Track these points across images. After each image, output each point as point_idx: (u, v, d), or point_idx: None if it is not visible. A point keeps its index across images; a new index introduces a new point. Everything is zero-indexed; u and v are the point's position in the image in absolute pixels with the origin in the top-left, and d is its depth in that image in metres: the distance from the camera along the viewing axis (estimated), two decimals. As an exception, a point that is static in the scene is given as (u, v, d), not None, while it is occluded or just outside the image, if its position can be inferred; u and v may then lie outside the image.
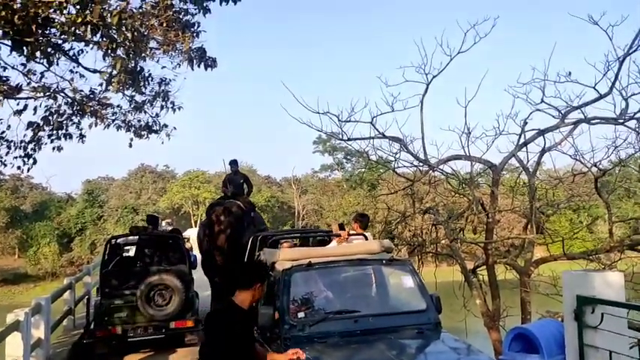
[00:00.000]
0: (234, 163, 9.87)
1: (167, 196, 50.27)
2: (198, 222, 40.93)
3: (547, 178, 8.84)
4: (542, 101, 6.78)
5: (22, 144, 7.03)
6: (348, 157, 55.41)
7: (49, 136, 7.04)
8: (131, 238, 9.40)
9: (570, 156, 6.78)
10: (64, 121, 6.94)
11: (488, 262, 7.28)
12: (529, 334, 4.14)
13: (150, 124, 7.80)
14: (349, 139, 7.31)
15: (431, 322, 4.33)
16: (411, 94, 6.94)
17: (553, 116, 6.80)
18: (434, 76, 6.86)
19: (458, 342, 4.13)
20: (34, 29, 5.45)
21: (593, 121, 6.56)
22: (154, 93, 7.48)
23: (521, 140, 7.01)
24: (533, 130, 6.91)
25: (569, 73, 6.52)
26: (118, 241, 8.95)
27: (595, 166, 6.56)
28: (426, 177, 7.89)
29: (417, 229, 8.92)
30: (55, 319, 7.58)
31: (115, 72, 5.75)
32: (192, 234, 12.60)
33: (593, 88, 6.35)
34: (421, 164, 7.46)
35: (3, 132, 6.90)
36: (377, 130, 7.10)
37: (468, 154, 7.01)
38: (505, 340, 4.42)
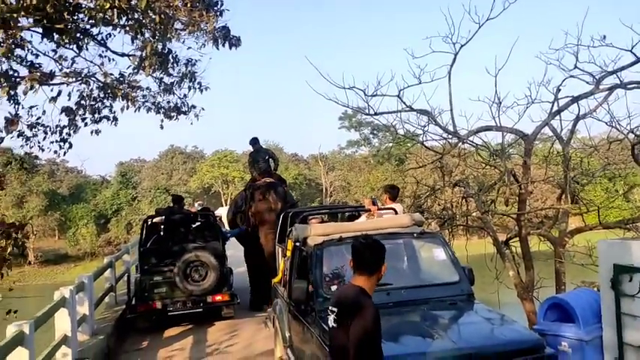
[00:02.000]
0: (255, 141, 9.69)
1: (197, 176, 51.15)
2: (229, 200, 41.52)
3: (582, 146, 8.60)
4: (576, 67, 6.55)
5: (58, 129, 7.24)
6: (375, 132, 54.99)
7: (83, 119, 7.22)
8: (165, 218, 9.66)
9: (606, 123, 6.57)
10: (97, 105, 7.10)
11: (521, 233, 7.20)
12: (564, 304, 4.13)
13: (179, 105, 7.91)
14: (376, 114, 7.24)
15: (464, 294, 4.34)
16: (439, 65, 6.82)
17: (587, 82, 6.58)
18: (462, 46, 6.70)
19: (491, 312, 4.13)
20: (64, 16, 5.56)
21: (630, 86, 6.31)
22: (181, 74, 7.55)
23: (555, 108, 6.82)
24: (566, 97, 6.71)
25: (604, 37, 6.27)
26: (154, 220, 9.23)
27: (632, 132, 6.34)
28: (456, 149, 7.79)
29: (446, 202, 8.86)
30: (97, 296, 7.93)
31: (145, 55, 5.83)
32: (222, 212, 12.84)
33: (630, 51, 6.10)
34: (450, 136, 7.35)
35: (39, 118, 7.11)
36: (404, 103, 7.02)
37: (498, 125, 6.87)
38: (540, 310, 4.42)
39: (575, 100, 6.65)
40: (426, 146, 7.83)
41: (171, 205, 9.63)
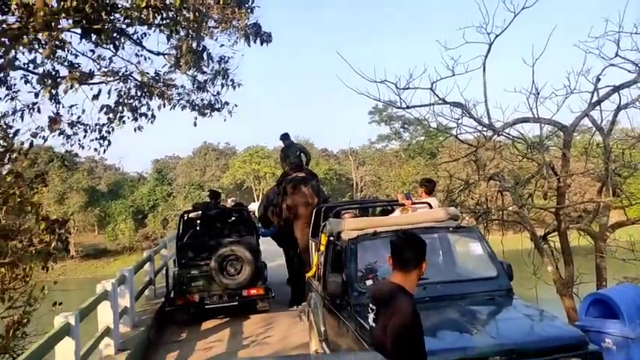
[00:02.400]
0: (285, 136, 9.68)
1: (230, 172, 51.86)
2: (260, 196, 41.99)
3: (623, 137, 8.30)
4: (617, 55, 6.34)
5: (97, 127, 7.47)
6: (406, 126, 54.43)
7: (121, 117, 7.42)
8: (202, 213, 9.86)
9: (650, 112, 6.32)
10: (135, 103, 7.28)
11: (560, 228, 7.02)
12: (607, 300, 4.02)
13: (212, 102, 8.03)
14: (408, 107, 7.17)
15: (502, 289, 4.26)
16: (473, 56, 6.70)
17: (629, 71, 6.36)
18: (497, 36, 6.57)
19: (531, 308, 4.05)
20: (102, 16, 5.72)
21: (677, 74, 6.06)
22: (214, 72, 7.66)
23: (594, 98, 6.61)
24: (607, 87, 6.51)
25: (649, 23, 6.03)
26: (190, 215, 9.43)
27: (679, 122, 6.08)
28: (491, 142, 7.64)
29: (481, 196, 8.71)
30: (137, 289, 8.17)
31: (181, 54, 5.94)
32: (254, 207, 13.00)
33: (677, 37, 5.85)
34: (485, 129, 7.23)
35: (79, 116, 7.35)
36: (437, 95, 6.93)
37: (536, 116, 6.70)
38: (582, 306, 4.31)
39: (617, 89, 6.42)
40: (460, 139, 7.71)
41: (208, 200, 9.79)
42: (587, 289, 6.33)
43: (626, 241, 6.75)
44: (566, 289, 6.70)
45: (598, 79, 6.52)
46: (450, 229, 4.80)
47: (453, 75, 6.72)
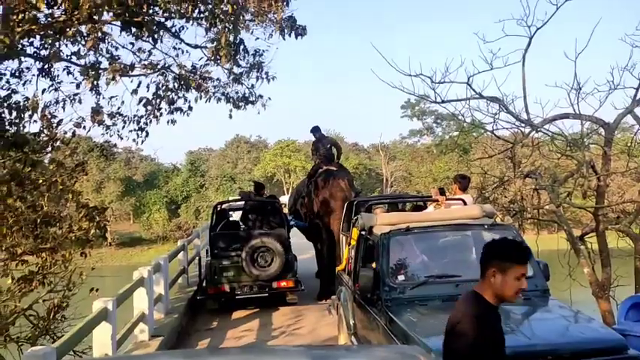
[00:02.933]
0: (316, 129, 9.61)
1: (261, 165, 52.30)
2: (290, 189, 42.20)
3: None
4: (666, 50, 6.07)
5: (136, 118, 7.65)
6: (439, 120, 53.63)
7: (158, 109, 7.58)
8: (234, 203, 9.98)
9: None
10: (172, 96, 7.42)
11: (599, 228, 6.82)
12: (649, 304, 3.88)
13: (247, 95, 8.10)
14: (443, 102, 7.07)
15: (538, 289, 4.17)
16: (512, 50, 6.54)
17: (678, 66, 6.08)
18: (538, 28, 6.39)
19: (567, 309, 3.95)
20: (142, 9, 5.85)
21: None
22: (249, 65, 7.73)
23: (639, 95, 6.36)
24: (653, 82, 6.24)
25: (701, 16, 5.74)
26: (223, 206, 9.56)
27: None
28: (528, 139, 7.46)
29: (515, 194, 8.52)
30: (171, 277, 8.37)
31: (220, 46, 6.02)
32: (284, 200, 13.10)
33: None
34: (523, 125, 7.06)
35: (119, 108, 7.55)
36: (473, 90, 6.81)
37: (577, 112, 6.51)
38: (621, 309, 4.18)
39: (664, 85, 6.16)
40: (496, 135, 7.56)
41: (252, 191, 9.88)
42: (625, 292, 6.13)
43: (668, 244, 6.49)
44: (602, 291, 6.51)
45: (644, 75, 6.27)
46: (486, 226, 4.72)
47: (491, 69, 6.60)
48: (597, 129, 7.19)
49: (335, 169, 8.92)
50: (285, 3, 6.94)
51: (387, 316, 3.97)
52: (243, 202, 9.43)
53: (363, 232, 5.13)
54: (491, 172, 11.38)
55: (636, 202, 7.07)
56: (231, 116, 8.03)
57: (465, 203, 5.65)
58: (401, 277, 4.36)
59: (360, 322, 4.87)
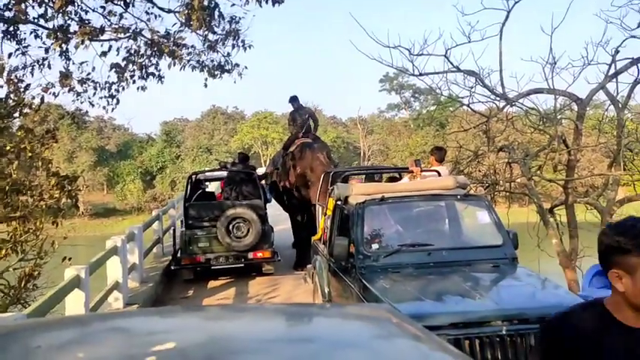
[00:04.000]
0: (294, 99, 9.46)
1: (238, 136, 51.77)
2: (267, 161, 41.97)
3: (638, 111, 8.18)
4: (639, 26, 6.15)
5: (107, 84, 7.45)
6: (416, 95, 53.76)
7: (131, 76, 7.38)
8: (209, 174, 9.90)
9: (668, 87, 6.19)
10: (145, 62, 7.23)
11: (568, 201, 7.01)
12: (611, 271, 4.03)
13: (222, 63, 7.94)
14: (421, 74, 7.06)
15: (507, 257, 4.29)
16: (490, 23, 6.54)
17: (650, 43, 6.19)
18: (516, 2, 6.39)
19: (534, 277, 4.09)
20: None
21: (699, 47, 5.90)
22: (225, 32, 7.55)
23: (612, 71, 6.47)
24: (626, 59, 6.35)
25: (675, -7, 5.83)
26: (198, 176, 9.46)
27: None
28: (503, 113, 7.55)
29: (489, 168, 8.67)
30: (146, 247, 8.31)
31: (192, 10, 5.86)
32: (261, 172, 13.03)
33: (703, 8, 5.67)
34: (498, 99, 7.13)
35: (89, 73, 7.32)
36: (451, 63, 6.81)
37: (551, 87, 6.59)
38: (586, 276, 4.33)
39: (635, 62, 6.28)
40: (472, 109, 7.62)
41: (235, 162, 9.78)
42: (590, 262, 6.33)
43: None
44: (569, 261, 6.74)
45: (617, 51, 6.36)
46: (458, 196, 4.81)
47: (469, 42, 6.58)
48: (570, 104, 7.31)
49: (311, 140, 8.87)
50: (261, -31, 6.77)
51: (361, 284, 4.05)
52: (218, 173, 9.34)
53: (339, 202, 5.17)
54: (467, 146, 11.52)
55: (605, 176, 7.26)
56: (206, 85, 7.90)
57: (439, 175, 5.73)
58: (375, 246, 4.43)
59: (334, 290, 4.95)
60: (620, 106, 6.65)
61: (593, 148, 8.52)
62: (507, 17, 6.51)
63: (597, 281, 4.17)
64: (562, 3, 6.72)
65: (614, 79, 6.51)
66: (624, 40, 6.32)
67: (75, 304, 4.70)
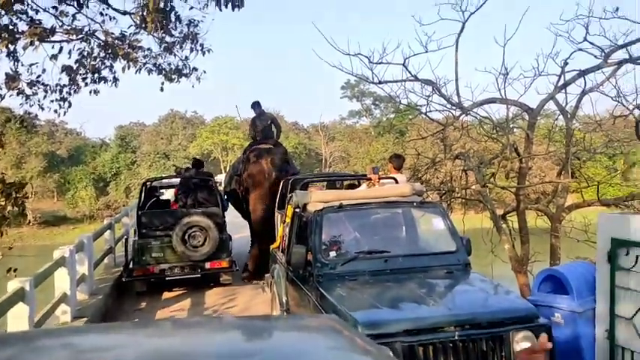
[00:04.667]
0: (256, 104, 9.30)
1: (197, 142, 50.97)
2: (228, 167, 41.43)
3: (585, 121, 8.56)
4: (585, 40, 6.43)
5: (58, 87, 7.15)
6: (377, 102, 54.55)
7: (84, 79, 7.12)
8: (164, 181, 9.65)
9: (612, 98, 6.49)
10: (98, 65, 6.99)
11: (519, 207, 7.23)
12: (559, 275, 4.17)
13: (180, 67, 7.78)
14: (380, 82, 7.14)
15: (460, 263, 4.38)
16: (447, 34, 6.69)
17: (595, 56, 6.47)
18: (471, 14, 6.56)
19: (487, 282, 4.18)
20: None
21: (639, 61, 6.22)
22: (182, 35, 7.41)
23: (561, 82, 6.73)
24: (573, 70, 6.62)
25: (617, 9, 6.13)
26: (153, 183, 9.20)
27: (638, 108, 6.28)
28: (458, 121, 7.74)
29: (446, 175, 8.85)
30: (97, 257, 8.00)
31: (147, 12, 5.71)
32: (221, 179, 12.84)
33: (642, 24, 5.98)
34: (454, 108, 7.29)
35: (39, 76, 7.01)
36: (409, 72, 6.92)
37: (503, 97, 6.80)
38: (535, 281, 4.47)
39: (583, 73, 6.56)
40: (429, 117, 7.77)
41: (189, 167, 9.53)
42: (542, 267, 6.56)
43: (581, 223, 7.01)
44: (521, 266, 6.94)
45: (565, 63, 6.63)
46: (414, 204, 4.88)
47: (426, 52, 6.71)
48: (522, 114, 7.56)
49: (267, 147, 8.72)
50: (221, -27, 6.69)
51: (318, 292, 4.03)
52: (174, 180, 9.11)
53: (297, 210, 5.14)
54: (425, 153, 11.75)
55: (555, 183, 7.54)
56: (162, 89, 7.69)
57: (396, 182, 5.79)
58: (332, 254, 4.43)
59: (292, 299, 4.91)
60: (568, 116, 6.92)
61: (544, 156, 8.82)
62: (462, 28, 6.69)
63: (545, 286, 4.32)
64: (515, 16, 6.96)
65: (563, 90, 6.78)
66: (572, 53, 6.60)
67: (18, 318, 4.46)
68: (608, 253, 3.78)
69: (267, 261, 6.67)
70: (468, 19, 6.56)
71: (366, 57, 6.76)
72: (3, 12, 6.01)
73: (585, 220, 6.99)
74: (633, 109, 6.30)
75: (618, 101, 6.41)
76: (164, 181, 10.12)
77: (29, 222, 41.20)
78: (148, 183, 9.04)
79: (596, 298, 3.99)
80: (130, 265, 8.01)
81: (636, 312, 3.64)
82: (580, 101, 6.78)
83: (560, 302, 4.08)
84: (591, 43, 6.38)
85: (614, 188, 10.58)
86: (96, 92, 7.13)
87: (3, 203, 6.35)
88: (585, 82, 6.57)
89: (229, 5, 6.74)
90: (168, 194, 9.31)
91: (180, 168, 10.04)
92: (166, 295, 7.88)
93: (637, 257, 3.61)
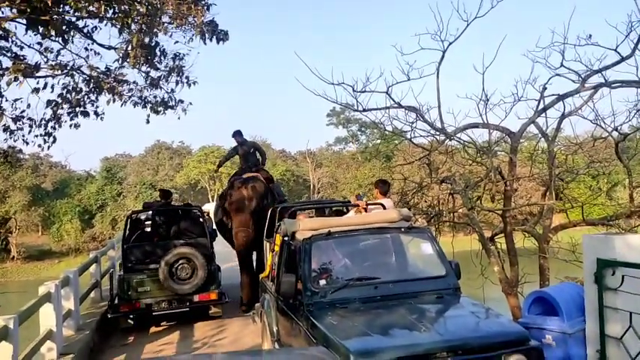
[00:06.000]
0: (237, 133, 9.27)
1: (184, 172, 50.79)
2: (216, 196, 41.19)
3: (566, 144, 8.73)
4: (562, 65, 6.62)
5: (42, 122, 7.14)
6: (363, 128, 55.13)
7: (69, 113, 7.13)
8: (151, 212, 9.57)
9: (590, 121, 6.67)
10: (82, 99, 7.01)
11: (507, 229, 7.28)
12: (548, 297, 4.20)
13: (166, 99, 7.83)
14: (364, 110, 7.24)
15: (450, 288, 4.39)
16: (427, 62, 6.84)
17: (573, 81, 6.66)
18: (450, 43, 6.73)
19: (477, 306, 4.19)
20: (49, 6, 5.48)
21: (614, 85, 6.41)
22: (168, 68, 7.49)
23: (540, 106, 6.89)
24: (552, 95, 6.78)
25: (590, 36, 6.34)
26: (139, 215, 9.10)
27: (616, 130, 6.45)
28: (443, 146, 7.85)
29: (433, 199, 8.91)
30: (83, 292, 7.83)
31: (131, 47, 5.77)
32: (210, 208, 12.76)
33: (615, 50, 6.18)
34: (438, 133, 7.41)
35: (23, 111, 7.01)
36: (392, 99, 7.03)
37: (485, 122, 6.93)
38: (524, 304, 4.49)
39: (561, 98, 6.73)
40: (414, 143, 7.86)
41: (159, 199, 9.47)
42: (532, 288, 6.57)
43: (568, 243, 7.07)
44: (511, 288, 6.95)
45: (544, 88, 6.80)
46: (402, 229, 4.90)
47: (408, 80, 6.83)
48: (504, 137, 7.70)
49: (251, 174, 8.64)
50: (205, 8, 6.82)
51: (309, 321, 4.00)
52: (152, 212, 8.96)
53: (286, 238, 5.13)
54: (412, 177, 11.84)
55: (540, 205, 7.62)
56: (148, 121, 7.73)
57: (384, 207, 5.83)
58: (322, 282, 4.41)
59: (283, 329, 4.85)
60: (550, 138, 7.06)
61: (528, 178, 8.94)
62: (443, 57, 6.85)
63: (535, 307, 4.33)
64: (493, 43, 7.14)
65: (543, 114, 6.93)
66: (550, 78, 6.78)
67: (2, 357, 4.33)
68: (595, 274, 3.82)
69: (257, 289, 6.61)
70: (447, 48, 6.74)
71: (350, 86, 6.88)
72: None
73: (572, 240, 7.06)
74: (612, 130, 6.46)
75: (597, 124, 6.58)
76: (150, 213, 10.02)
77: (13, 257, 40.33)
78: (133, 215, 8.93)
79: (585, 318, 4.01)
80: (116, 301, 7.80)
81: (625, 331, 3.67)
82: (560, 124, 6.94)
83: (550, 324, 4.09)
84: (568, 68, 6.57)
85: (599, 208, 10.73)
86: (77, 126, 7.16)
87: (-14, 239, 6.25)
88: (564, 106, 6.74)
89: (214, 39, 6.87)
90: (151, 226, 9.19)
91: (148, 202, 9.99)
92: (154, 328, 7.72)
93: (623, 277, 3.65)
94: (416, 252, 5.01)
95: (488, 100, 6.84)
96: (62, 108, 6.94)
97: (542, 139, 7.21)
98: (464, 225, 8.71)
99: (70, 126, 7.20)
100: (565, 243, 7.21)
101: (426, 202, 9.47)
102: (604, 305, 3.80)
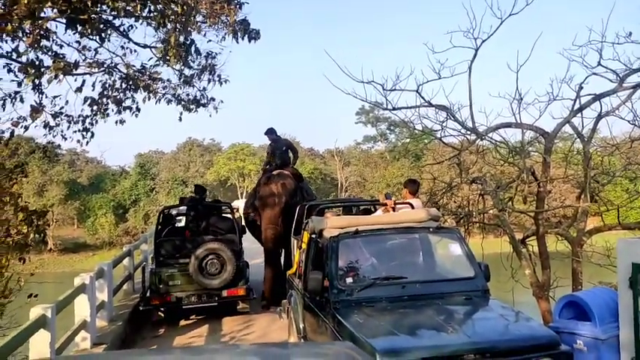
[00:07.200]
0: (271, 131, 9.27)
1: (214, 168, 51.53)
2: (245, 193, 41.56)
3: (603, 145, 8.48)
4: (599, 64, 6.44)
5: (81, 118, 7.39)
6: (392, 127, 54.72)
7: (106, 110, 7.35)
8: (183, 208, 9.76)
9: (628, 121, 6.47)
10: (120, 96, 7.22)
11: (539, 232, 7.14)
12: (580, 302, 4.10)
13: (198, 97, 7.99)
14: (394, 109, 7.21)
15: (479, 289, 4.33)
16: (459, 61, 6.75)
17: (610, 80, 6.47)
18: (483, 41, 6.63)
19: (507, 309, 4.13)
20: (88, 5, 5.66)
21: (655, 85, 6.20)
22: (201, 67, 7.63)
23: (576, 106, 6.72)
24: (589, 95, 6.61)
25: (630, 34, 6.16)
26: (171, 211, 9.30)
27: (655, 131, 6.24)
28: (474, 146, 7.74)
29: (463, 199, 8.80)
30: (116, 284, 8.07)
31: (170, 46, 5.91)
32: (239, 205, 12.92)
33: (656, 48, 5.99)
34: (469, 133, 7.31)
35: (62, 107, 7.26)
36: (423, 98, 6.97)
37: (519, 122, 6.80)
38: (556, 308, 4.40)
39: (598, 97, 6.55)
40: (444, 142, 7.78)
41: (194, 195, 9.63)
42: (564, 292, 6.44)
43: (602, 247, 6.88)
44: (542, 292, 6.81)
45: (580, 87, 6.63)
46: (431, 229, 4.86)
47: (439, 78, 6.78)
48: (537, 138, 7.54)
49: (280, 171, 8.67)
50: (238, 6, 6.92)
51: (335, 319, 4.01)
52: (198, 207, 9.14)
53: (314, 236, 5.16)
54: (442, 177, 11.70)
55: (574, 208, 7.44)
56: (181, 119, 7.91)
57: (412, 207, 5.79)
58: (349, 280, 4.42)
59: (309, 325, 4.89)
60: (585, 139, 6.88)
61: (563, 179, 8.73)
62: (475, 55, 6.76)
63: (567, 312, 4.24)
64: (528, 41, 6.99)
65: (579, 114, 6.76)
66: (587, 77, 6.61)
67: (40, 345, 4.52)
68: (630, 279, 3.72)
69: (283, 286, 6.67)
70: (480, 46, 6.64)
71: (380, 84, 6.85)
72: (30, 48, 6.28)
73: (607, 244, 6.87)
74: (651, 132, 6.25)
75: (635, 124, 6.37)
76: (181, 208, 10.22)
77: (50, 249, 41.77)
78: (165, 211, 9.13)
79: (619, 324, 3.90)
80: (147, 294, 8.02)
81: (662, 339, 3.56)
82: (596, 125, 6.76)
83: (582, 329, 4.00)
84: (605, 67, 6.39)
85: (636, 211, 10.36)
86: (122, 122, 7.35)
87: (25, 231, 6.51)
88: (601, 106, 6.56)
89: (246, 37, 6.97)
90: (185, 222, 9.37)
91: (184, 197, 10.14)
92: (184, 322, 7.89)
93: (660, 283, 3.54)
94: (444, 252, 4.97)
95: (522, 99, 6.73)
96: (101, 104, 7.15)
97: (578, 139, 7.04)
98: (494, 226, 8.58)
99: (116, 122, 7.42)
100: (599, 247, 7.03)
101: (455, 202, 9.34)
102: (639, 311, 3.69)
